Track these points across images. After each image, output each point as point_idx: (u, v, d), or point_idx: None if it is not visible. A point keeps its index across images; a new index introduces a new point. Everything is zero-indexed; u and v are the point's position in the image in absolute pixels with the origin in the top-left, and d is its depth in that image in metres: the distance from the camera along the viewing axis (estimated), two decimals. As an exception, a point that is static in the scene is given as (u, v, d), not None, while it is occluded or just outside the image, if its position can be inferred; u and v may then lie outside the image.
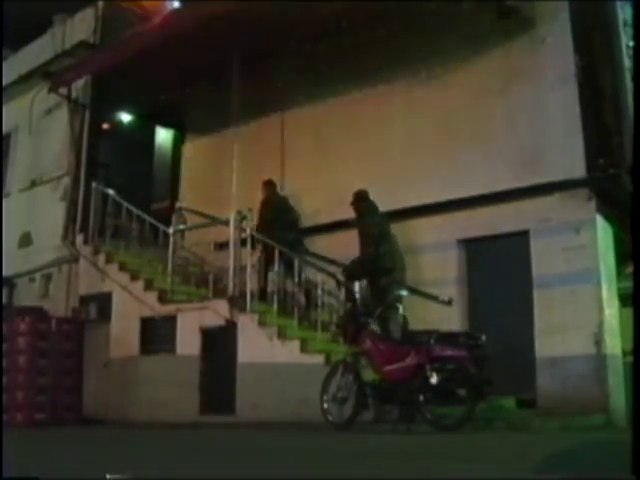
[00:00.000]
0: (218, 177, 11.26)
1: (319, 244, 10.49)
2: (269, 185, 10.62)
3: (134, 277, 10.95)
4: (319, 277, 9.54)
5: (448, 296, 8.98)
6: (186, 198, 12.63)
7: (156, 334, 10.54)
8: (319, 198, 10.66)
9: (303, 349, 8.72)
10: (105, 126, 13.14)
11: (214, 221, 10.91)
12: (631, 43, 8.59)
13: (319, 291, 9.36)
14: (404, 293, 8.67)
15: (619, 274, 8.83)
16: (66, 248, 12.19)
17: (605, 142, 8.36)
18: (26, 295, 12.78)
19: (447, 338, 7.13)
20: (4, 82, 13.58)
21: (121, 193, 11.66)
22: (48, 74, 12.85)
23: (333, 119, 10.75)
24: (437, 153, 9.59)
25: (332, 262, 9.82)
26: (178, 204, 12.44)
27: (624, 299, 8.58)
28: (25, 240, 13.21)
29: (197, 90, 12.34)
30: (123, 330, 10.93)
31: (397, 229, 9.77)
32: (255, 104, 11.12)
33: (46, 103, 13.26)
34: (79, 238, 12.02)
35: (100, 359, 11.03)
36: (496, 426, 7.22)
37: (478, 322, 8.87)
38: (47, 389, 10.55)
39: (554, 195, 8.53)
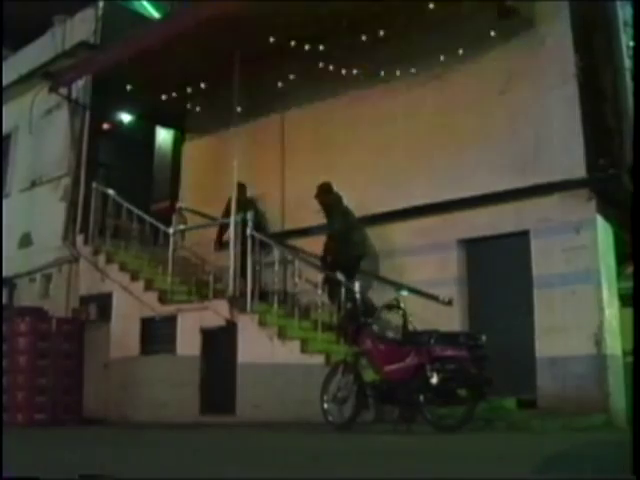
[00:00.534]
0: (218, 177, 11.28)
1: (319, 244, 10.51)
2: (241, 187, 10.74)
3: (134, 277, 10.96)
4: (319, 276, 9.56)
5: (448, 296, 8.98)
6: (186, 198, 12.64)
7: (156, 334, 10.54)
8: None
9: (303, 349, 8.72)
10: (105, 126, 13.14)
11: (214, 221, 10.90)
12: (631, 43, 8.58)
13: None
14: (404, 293, 8.67)
15: (619, 274, 8.82)
16: (66, 248, 12.19)
17: (605, 142, 8.35)
18: (26, 295, 12.79)
19: (447, 338, 7.12)
20: (4, 82, 13.59)
21: (121, 193, 11.66)
22: (48, 74, 12.86)
23: (333, 119, 10.76)
24: (437, 153, 9.59)
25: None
26: (178, 204, 12.47)
27: (624, 299, 8.58)
28: (25, 240, 13.21)
29: (197, 90, 12.35)
30: (123, 330, 10.94)
31: (397, 229, 9.79)
32: (255, 104, 11.12)
33: (46, 103, 13.26)
34: (79, 238, 12.02)
35: (100, 359, 11.04)
36: (496, 426, 7.20)
37: (478, 322, 8.87)
38: (47, 389, 10.55)
39: (554, 195, 8.52)
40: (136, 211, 11.34)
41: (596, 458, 4.56)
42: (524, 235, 8.75)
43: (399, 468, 4.42)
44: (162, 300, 10.45)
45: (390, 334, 7.79)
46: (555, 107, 8.69)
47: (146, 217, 11.33)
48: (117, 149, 13.28)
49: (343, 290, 9.00)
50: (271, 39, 10.14)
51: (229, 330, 9.49)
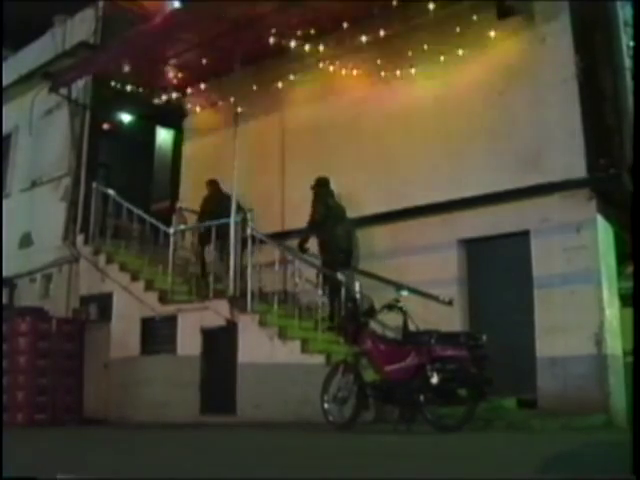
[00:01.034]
0: (218, 177, 11.27)
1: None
2: (212, 184, 11.31)
3: (134, 277, 10.96)
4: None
5: (449, 296, 8.97)
6: (186, 198, 12.63)
7: (157, 334, 10.54)
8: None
9: (304, 349, 8.72)
10: (105, 126, 13.14)
11: (215, 221, 10.90)
12: (631, 43, 8.58)
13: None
14: (405, 293, 8.67)
15: (620, 274, 8.82)
16: (66, 248, 12.20)
17: (606, 142, 8.35)
18: (26, 295, 12.79)
19: (448, 338, 7.11)
20: (4, 82, 13.61)
21: (121, 193, 11.67)
22: (48, 74, 12.87)
23: (333, 119, 10.74)
24: (437, 153, 9.58)
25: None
26: (178, 204, 12.46)
27: (625, 299, 8.58)
28: (25, 240, 13.22)
29: (198, 90, 12.37)
30: (124, 330, 10.94)
31: (397, 229, 9.78)
32: (256, 103, 11.12)
33: (46, 103, 13.28)
34: (79, 238, 12.03)
35: (100, 359, 11.04)
36: (497, 426, 7.20)
37: (479, 322, 8.87)
38: (47, 389, 10.56)
39: (554, 195, 8.52)
40: (136, 211, 11.34)
41: (596, 458, 4.56)
42: (524, 235, 8.74)
43: (399, 468, 4.42)
44: (162, 300, 10.45)
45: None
46: (555, 107, 8.68)
47: (146, 217, 11.32)
48: (117, 149, 13.29)
49: (342, 290, 9.02)
50: (271, 39, 10.13)
51: (229, 330, 9.49)
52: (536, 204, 8.65)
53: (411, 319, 7.57)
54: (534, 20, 9.00)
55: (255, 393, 9.04)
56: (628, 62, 8.63)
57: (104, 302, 11.28)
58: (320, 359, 8.47)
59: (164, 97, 12.14)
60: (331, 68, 10.46)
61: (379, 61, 10.05)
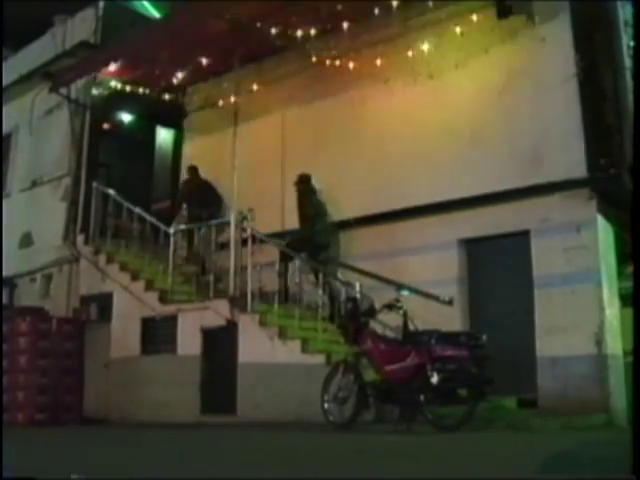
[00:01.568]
0: (218, 177, 11.27)
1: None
2: (191, 170, 11.99)
3: (135, 277, 10.96)
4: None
5: (449, 296, 8.97)
6: (187, 198, 12.60)
7: (157, 334, 10.54)
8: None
9: (304, 349, 8.72)
10: (106, 126, 13.14)
11: (215, 221, 10.91)
12: (632, 43, 8.58)
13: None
14: (405, 293, 8.67)
15: (620, 274, 8.81)
16: (67, 248, 12.20)
17: (606, 142, 8.34)
18: (27, 295, 12.79)
19: (448, 338, 7.12)
20: (4, 82, 13.60)
21: (122, 193, 11.66)
22: (49, 74, 12.86)
23: (333, 119, 10.75)
24: (437, 153, 9.58)
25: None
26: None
27: (625, 299, 8.57)
28: (26, 240, 13.22)
29: (198, 89, 12.37)
30: (124, 330, 10.94)
31: (397, 229, 9.78)
32: (256, 103, 11.13)
33: (47, 103, 13.27)
34: (80, 238, 12.03)
35: (101, 359, 11.04)
36: (497, 426, 7.20)
37: (479, 322, 8.87)
38: (48, 389, 10.55)
39: (555, 195, 8.51)
40: (136, 211, 11.34)
41: (596, 458, 4.56)
42: (525, 235, 8.74)
43: (399, 468, 4.42)
44: (163, 300, 10.45)
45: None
46: (555, 107, 8.68)
47: (147, 217, 11.32)
48: (118, 149, 13.28)
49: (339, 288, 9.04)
50: (271, 38, 10.13)
51: (230, 330, 9.49)
52: (536, 204, 8.65)
53: (411, 319, 7.57)
54: (534, 20, 8.99)
55: (255, 393, 9.04)
56: (628, 62, 8.63)
57: (104, 302, 11.27)
58: (320, 359, 8.47)
59: (164, 97, 12.13)
60: (332, 68, 10.45)
61: (379, 61, 10.04)
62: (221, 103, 11.55)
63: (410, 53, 9.69)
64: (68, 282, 12.12)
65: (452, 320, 8.82)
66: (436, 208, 9.42)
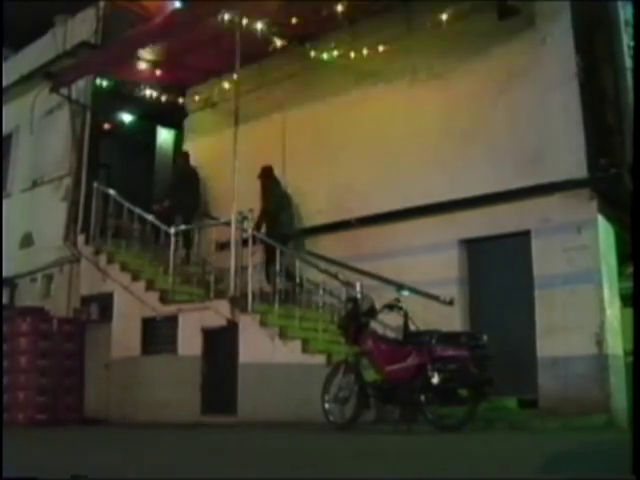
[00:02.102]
0: (219, 176, 11.27)
1: (322, 244, 10.54)
2: (184, 156, 12.43)
3: (135, 277, 10.96)
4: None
5: (449, 296, 8.97)
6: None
7: (157, 334, 10.54)
8: (320, 198, 10.68)
9: (304, 349, 8.72)
10: (106, 126, 13.14)
11: (215, 222, 10.91)
12: (632, 43, 8.57)
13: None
14: (405, 293, 8.67)
15: (620, 274, 8.80)
16: (67, 248, 12.20)
17: (606, 142, 8.34)
18: (27, 295, 12.80)
19: (448, 338, 7.12)
20: (5, 82, 13.60)
21: (122, 193, 11.66)
22: (49, 74, 12.87)
23: (334, 119, 10.75)
24: (437, 152, 9.58)
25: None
26: (179, 204, 12.44)
27: (625, 299, 8.56)
28: (26, 240, 13.23)
29: (198, 89, 12.37)
30: (124, 330, 10.94)
31: (397, 229, 9.78)
32: (257, 103, 11.13)
33: (47, 103, 13.28)
34: (80, 238, 12.03)
35: (101, 359, 11.04)
36: (497, 426, 7.20)
37: (479, 322, 8.87)
38: (48, 389, 10.56)
39: (555, 195, 8.51)
40: (137, 211, 11.34)
41: (597, 458, 4.56)
42: (525, 235, 8.74)
43: (400, 468, 4.42)
44: (163, 300, 10.45)
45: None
46: (556, 107, 8.67)
47: (147, 217, 11.32)
48: (118, 149, 13.27)
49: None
50: (271, 38, 10.14)
51: (230, 330, 9.48)
52: (537, 204, 8.65)
53: (411, 319, 7.57)
54: (535, 20, 8.99)
55: (256, 393, 9.03)
56: (629, 62, 8.62)
57: (105, 302, 11.27)
58: (321, 359, 8.47)
59: (165, 97, 12.14)
60: (332, 68, 10.46)
61: (380, 61, 10.04)
62: (221, 103, 11.55)
63: (410, 53, 9.70)
64: (69, 282, 12.12)
65: (452, 320, 8.82)
66: (436, 208, 9.42)
